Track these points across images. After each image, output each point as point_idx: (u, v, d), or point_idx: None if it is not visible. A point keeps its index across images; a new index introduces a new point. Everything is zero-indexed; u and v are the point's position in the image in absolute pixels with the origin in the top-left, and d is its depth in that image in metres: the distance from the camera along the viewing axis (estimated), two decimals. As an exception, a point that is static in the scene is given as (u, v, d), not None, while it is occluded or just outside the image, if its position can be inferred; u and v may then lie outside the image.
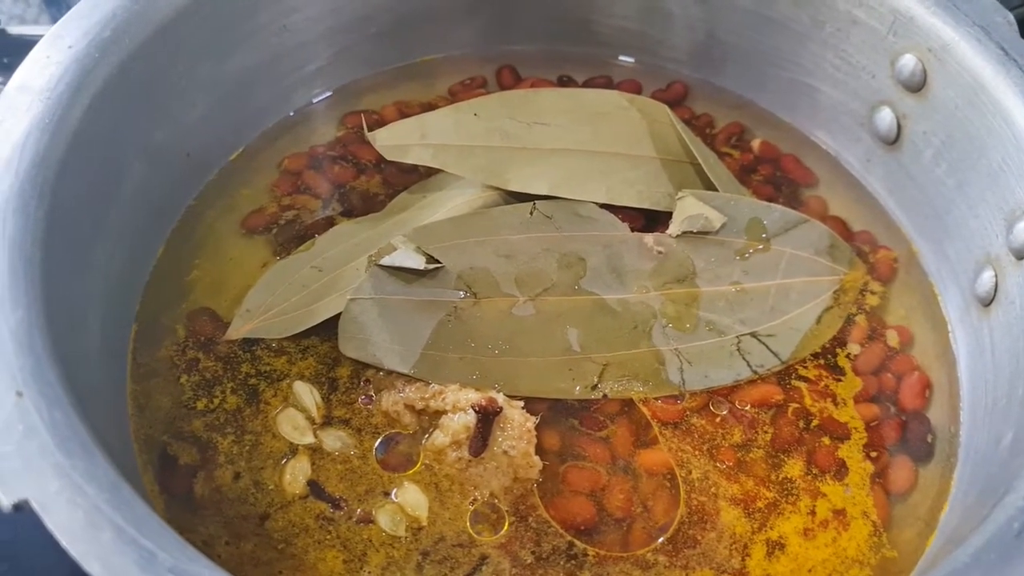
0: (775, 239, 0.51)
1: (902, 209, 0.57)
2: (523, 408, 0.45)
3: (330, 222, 0.54)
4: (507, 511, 0.44)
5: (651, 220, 0.52)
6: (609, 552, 0.43)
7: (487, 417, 0.43)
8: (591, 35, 0.65)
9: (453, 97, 0.63)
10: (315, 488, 0.44)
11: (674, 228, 0.50)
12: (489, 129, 0.52)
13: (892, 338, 0.52)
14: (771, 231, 0.51)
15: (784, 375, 0.49)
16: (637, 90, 0.63)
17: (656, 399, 0.47)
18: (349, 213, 0.55)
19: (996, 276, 0.48)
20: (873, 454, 0.47)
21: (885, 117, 0.55)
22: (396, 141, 0.51)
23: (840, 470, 0.46)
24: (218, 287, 0.51)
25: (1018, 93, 0.47)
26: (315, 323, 0.48)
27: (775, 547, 0.44)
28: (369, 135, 0.51)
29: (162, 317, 0.49)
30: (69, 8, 0.46)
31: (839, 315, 0.51)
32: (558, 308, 0.48)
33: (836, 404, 0.49)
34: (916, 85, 0.52)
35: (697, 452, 0.46)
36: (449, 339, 0.46)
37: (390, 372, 0.46)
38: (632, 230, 0.50)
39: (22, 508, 0.30)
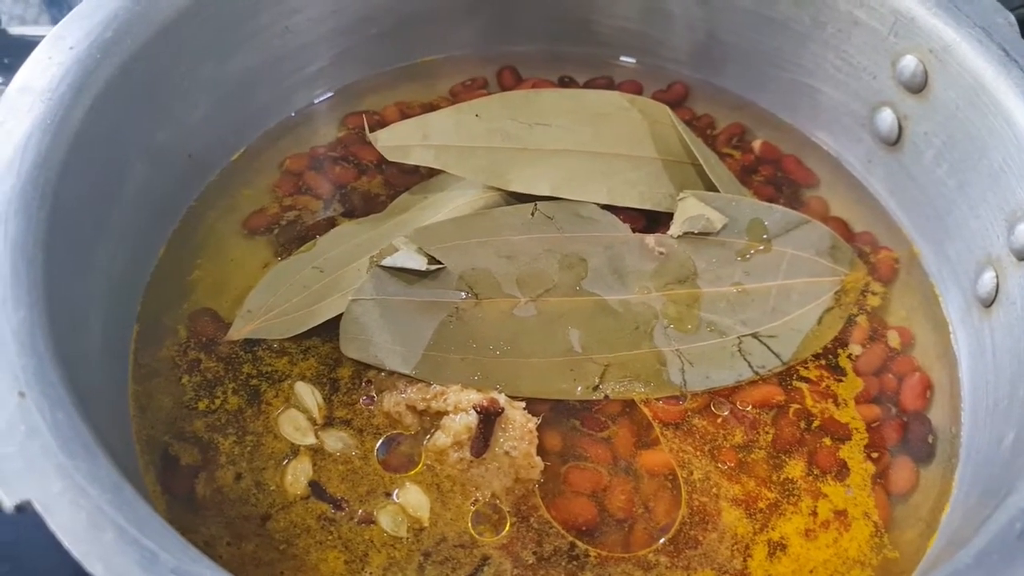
0: (776, 240, 0.51)
1: (903, 210, 0.57)
2: (525, 409, 0.45)
3: (331, 223, 0.54)
4: (509, 512, 0.44)
5: (652, 221, 0.52)
6: (610, 553, 0.43)
7: (489, 418, 0.43)
8: (592, 36, 0.65)
9: (454, 98, 0.63)
10: (316, 489, 0.44)
11: (675, 229, 0.50)
12: (490, 130, 0.52)
13: (893, 339, 0.52)
14: (772, 232, 0.51)
15: (785, 376, 0.49)
16: (638, 91, 0.63)
17: (657, 400, 0.47)
18: (350, 214, 0.55)
19: (997, 277, 0.48)
20: (874, 455, 0.47)
21: (886, 118, 0.55)
22: (397, 142, 0.51)
23: (841, 471, 0.46)
24: (219, 288, 0.51)
25: (1019, 94, 0.47)
26: (316, 324, 0.48)
27: (776, 548, 0.44)
28: (370, 136, 0.51)
29: (164, 318, 0.49)
30: (70, 9, 0.46)
31: (840, 316, 0.51)
32: (559, 309, 0.48)
33: (837, 405, 0.49)
34: (917, 86, 0.52)
35: (698, 453, 0.46)
36: (451, 340, 0.46)
37: (392, 373, 0.46)
38: (633, 231, 0.50)
39: (24, 509, 0.30)
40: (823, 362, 0.50)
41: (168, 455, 0.45)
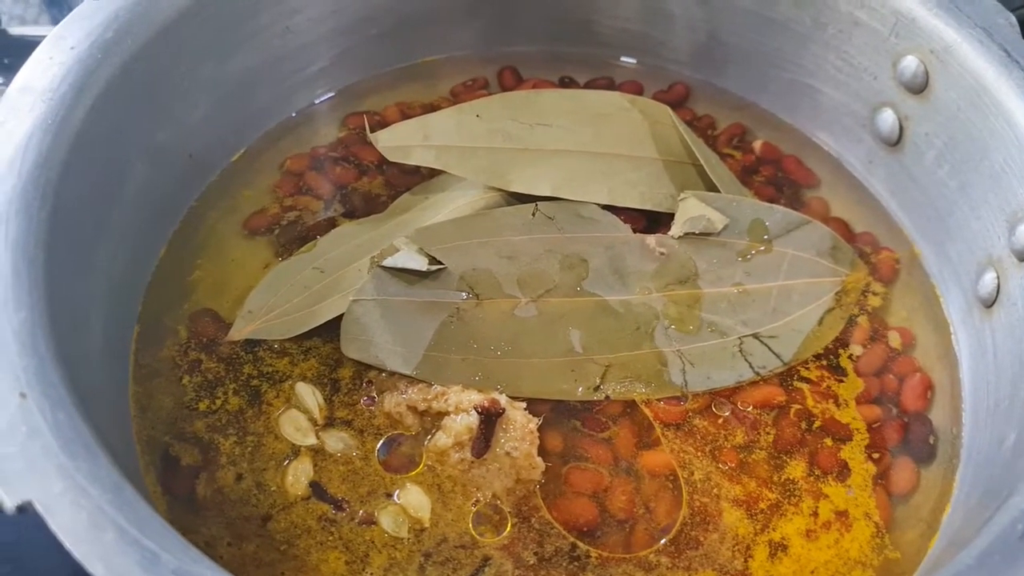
0: (777, 240, 0.51)
1: (904, 210, 0.57)
2: (525, 409, 0.45)
3: (332, 223, 0.54)
4: (510, 512, 0.44)
5: (653, 221, 0.52)
6: (611, 553, 0.43)
7: (489, 418, 0.43)
8: (592, 36, 0.65)
9: (455, 98, 0.63)
10: (317, 489, 0.44)
11: (676, 229, 0.50)
12: (491, 130, 0.52)
13: (894, 339, 0.52)
14: (773, 232, 0.51)
15: (786, 376, 0.49)
16: (639, 91, 0.63)
17: (658, 400, 0.47)
18: (351, 214, 0.55)
19: (998, 278, 0.48)
20: (875, 455, 0.47)
21: (887, 119, 0.55)
22: (398, 142, 0.51)
23: (842, 471, 0.46)
24: (220, 288, 0.51)
25: (1020, 95, 0.47)
26: (317, 324, 0.48)
27: (778, 548, 0.44)
28: (371, 136, 0.51)
29: (164, 318, 0.49)
30: (70, 9, 0.46)
31: (841, 316, 0.51)
32: (560, 309, 0.48)
33: (838, 405, 0.49)
34: (918, 87, 0.52)
35: (699, 453, 0.46)
36: (451, 340, 0.46)
37: (392, 373, 0.46)
38: (634, 231, 0.50)
39: (26, 510, 0.30)
40: (824, 363, 0.50)
41: (169, 455, 0.45)
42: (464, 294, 0.47)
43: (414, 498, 0.43)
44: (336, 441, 0.45)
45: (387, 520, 0.43)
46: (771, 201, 0.55)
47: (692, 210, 0.50)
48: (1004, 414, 0.45)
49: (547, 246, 0.49)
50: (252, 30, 0.55)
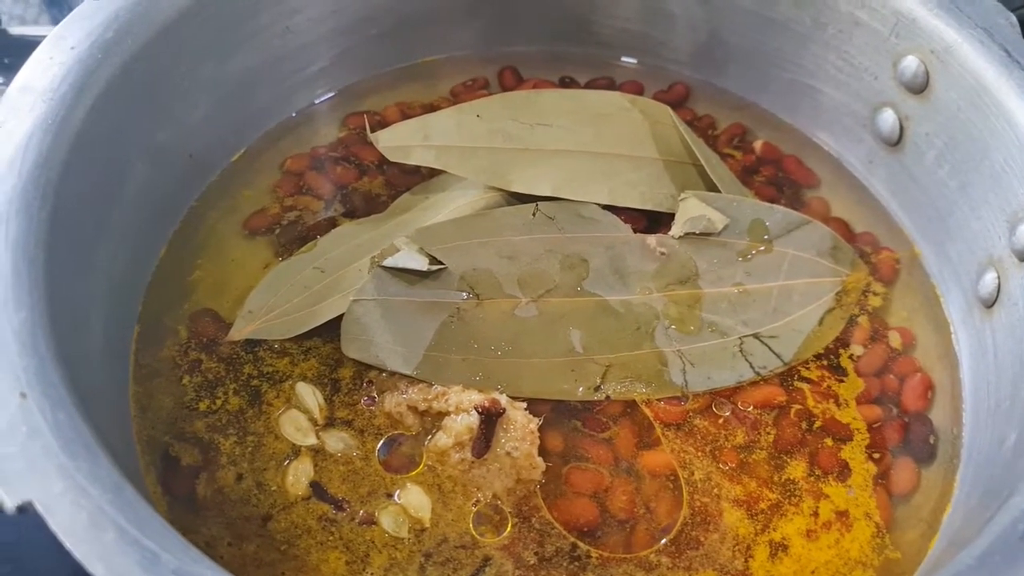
0: (777, 240, 0.51)
1: (904, 211, 0.57)
2: (526, 409, 0.45)
3: (332, 223, 0.54)
4: (510, 512, 0.44)
5: (653, 221, 0.52)
6: (612, 553, 0.43)
7: (490, 418, 0.43)
8: (593, 36, 0.65)
9: (455, 98, 0.63)
10: (318, 489, 0.44)
11: (676, 229, 0.50)
12: (491, 130, 0.52)
13: (894, 339, 0.52)
14: (773, 232, 0.51)
15: (787, 376, 0.49)
16: (639, 91, 0.63)
17: (659, 400, 0.47)
18: (351, 214, 0.55)
19: (999, 278, 0.48)
20: (876, 455, 0.47)
21: (887, 119, 0.55)
22: (398, 142, 0.51)
23: (843, 471, 0.46)
24: (220, 288, 0.51)
25: (1021, 95, 0.47)
26: (317, 324, 0.48)
27: (778, 548, 0.44)
28: (372, 136, 0.51)
29: (164, 318, 0.49)
30: (70, 9, 0.46)
31: (841, 316, 0.51)
32: (561, 309, 0.48)
33: (839, 405, 0.49)
34: (918, 87, 0.52)
35: (700, 453, 0.46)
36: (452, 340, 0.46)
37: (393, 373, 0.46)
38: (634, 231, 0.50)
39: (26, 510, 0.30)
40: (824, 363, 0.50)
41: (169, 455, 0.45)
42: (464, 294, 0.47)
43: (414, 498, 0.43)
44: (336, 441, 0.45)
45: (387, 520, 0.43)
46: (771, 201, 0.55)
47: (692, 210, 0.50)
48: (1005, 414, 0.45)
49: (547, 246, 0.49)
50: (252, 30, 0.55)
